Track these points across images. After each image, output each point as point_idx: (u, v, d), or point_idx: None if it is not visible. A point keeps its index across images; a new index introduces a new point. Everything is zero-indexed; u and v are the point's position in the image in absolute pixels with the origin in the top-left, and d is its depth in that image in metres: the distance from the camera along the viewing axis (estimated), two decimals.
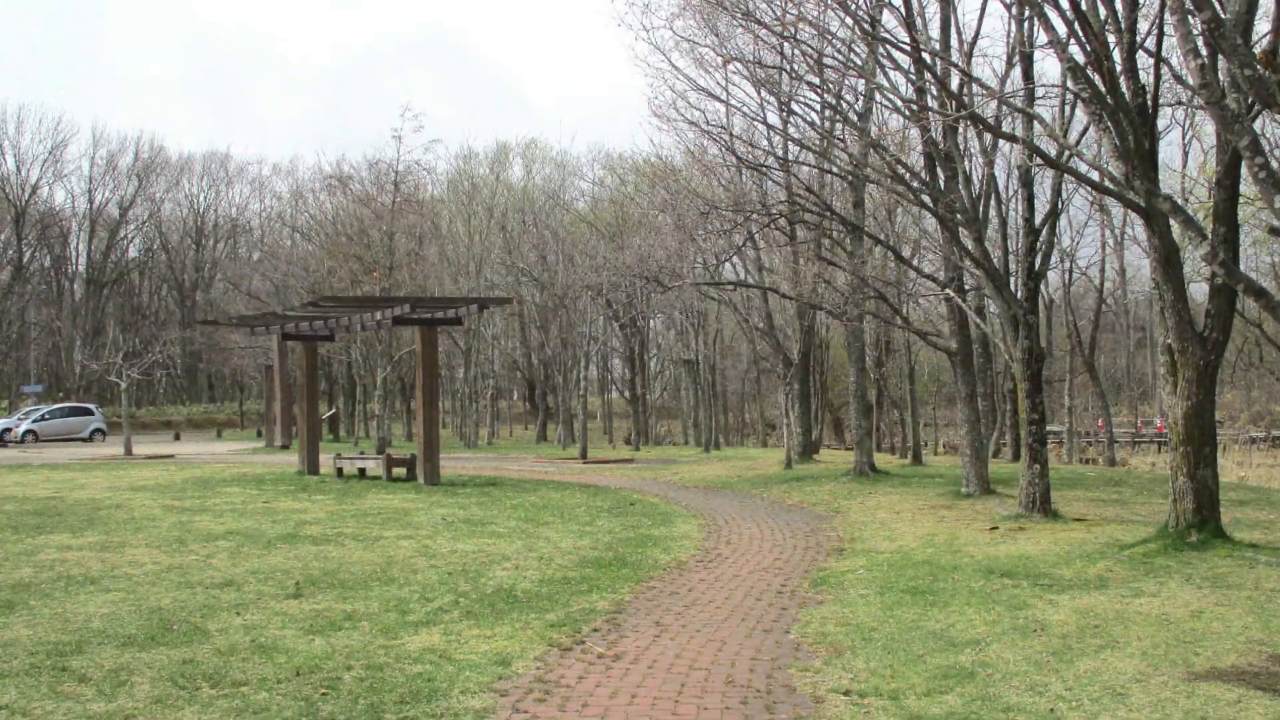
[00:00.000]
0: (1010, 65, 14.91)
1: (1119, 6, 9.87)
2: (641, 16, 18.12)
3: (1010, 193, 23.64)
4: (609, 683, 6.21)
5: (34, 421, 41.78)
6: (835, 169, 18.94)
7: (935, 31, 15.86)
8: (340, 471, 20.71)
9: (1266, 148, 7.22)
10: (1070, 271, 33.89)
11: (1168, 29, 10.22)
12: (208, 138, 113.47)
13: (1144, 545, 10.08)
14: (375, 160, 40.34)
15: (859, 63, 15.13)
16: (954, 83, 14.83)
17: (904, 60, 14.35)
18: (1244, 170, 10.32)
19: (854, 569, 10.17)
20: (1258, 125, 8.85)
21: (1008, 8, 13.94)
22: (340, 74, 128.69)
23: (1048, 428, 17.70)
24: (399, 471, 20.17)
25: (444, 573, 9.65)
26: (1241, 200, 11.91)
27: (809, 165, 20.79)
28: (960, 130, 15.06)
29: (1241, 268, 10.62)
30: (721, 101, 20.00)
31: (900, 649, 6.85)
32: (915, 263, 24.52)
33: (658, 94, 34.02)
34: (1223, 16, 7.59)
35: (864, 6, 13.55)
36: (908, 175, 15.54)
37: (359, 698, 5.79)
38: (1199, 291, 25.14)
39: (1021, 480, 13.70)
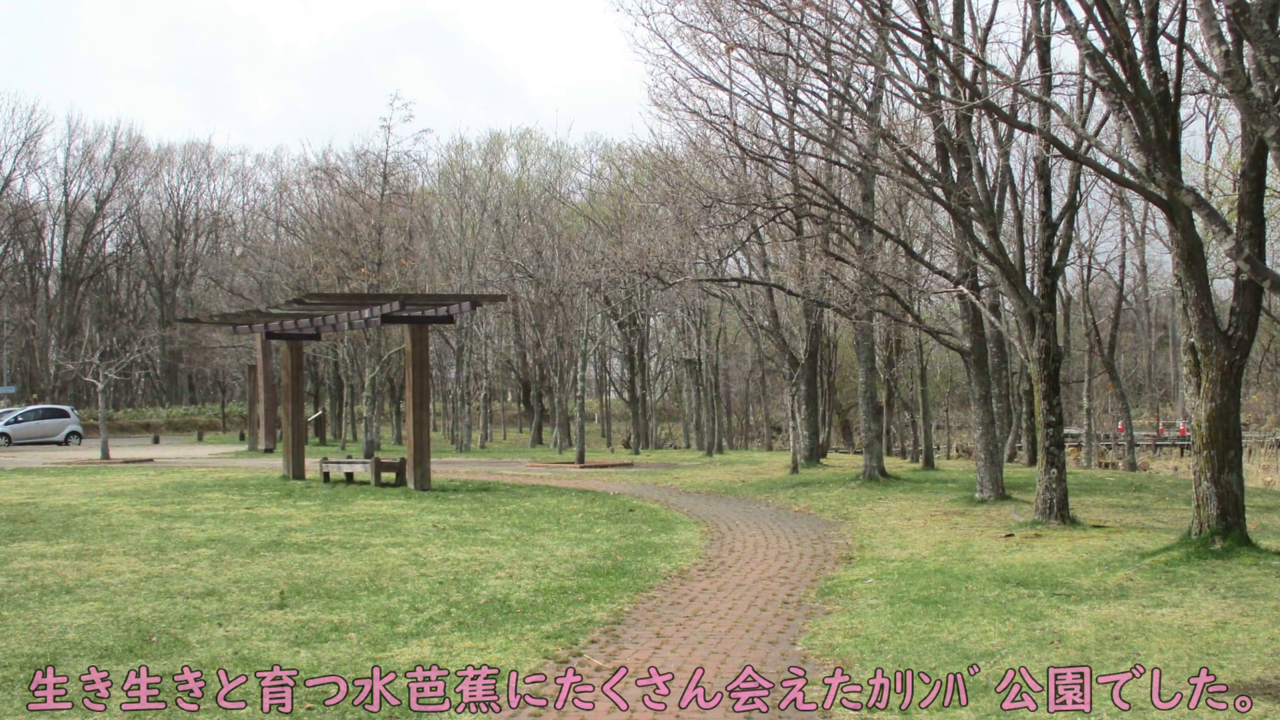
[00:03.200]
0: (1026, 52, 14.91)
1: None
2: (641, 1, 18.08)
3: (1026, 185, 23.66)
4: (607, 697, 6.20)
5: (7, 424, 41.77)
6: (843, 160, 18.93)
7: (948, 16, 15.87)
8: (327, 476, 20.71)
9: None
10: (1089, 267, 33.90)
11: (1191, 14, 10.22)
12: (188, 128, 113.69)
13: (1166, 553, 10.08)
14: (363, 151, 40.43)
15: (868, 49, 15.12)
16: (967, 70, 14.83)
17: (915, 47, 14.34)
18: (1270, 161, 10.34)
19: (863, 578, 10.18)
20: None
21: None
22: (326, 61, 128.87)
23: (1065, 430, 17.72)
24: (388, 476, 20.16)
25: (435, 582, 9.65)
26: (1268, 193, 11.92)
27: (816, 156, 20.79)
28: (974, 120, 15.07)
29: (1268, 263, 10.62)
30: (725, 90, 20.03)
31: (911, 661, 6.85)
32: (927, 258, 24.57)
33: (658, 82, 34.01)
34: (1248, 1, 7.60)
35: None
36: (919, 167, 15.54)
37: (346, 712, 5.80)
38: (1223, 288, 25.13)
39: (1038, 485, 13.71)
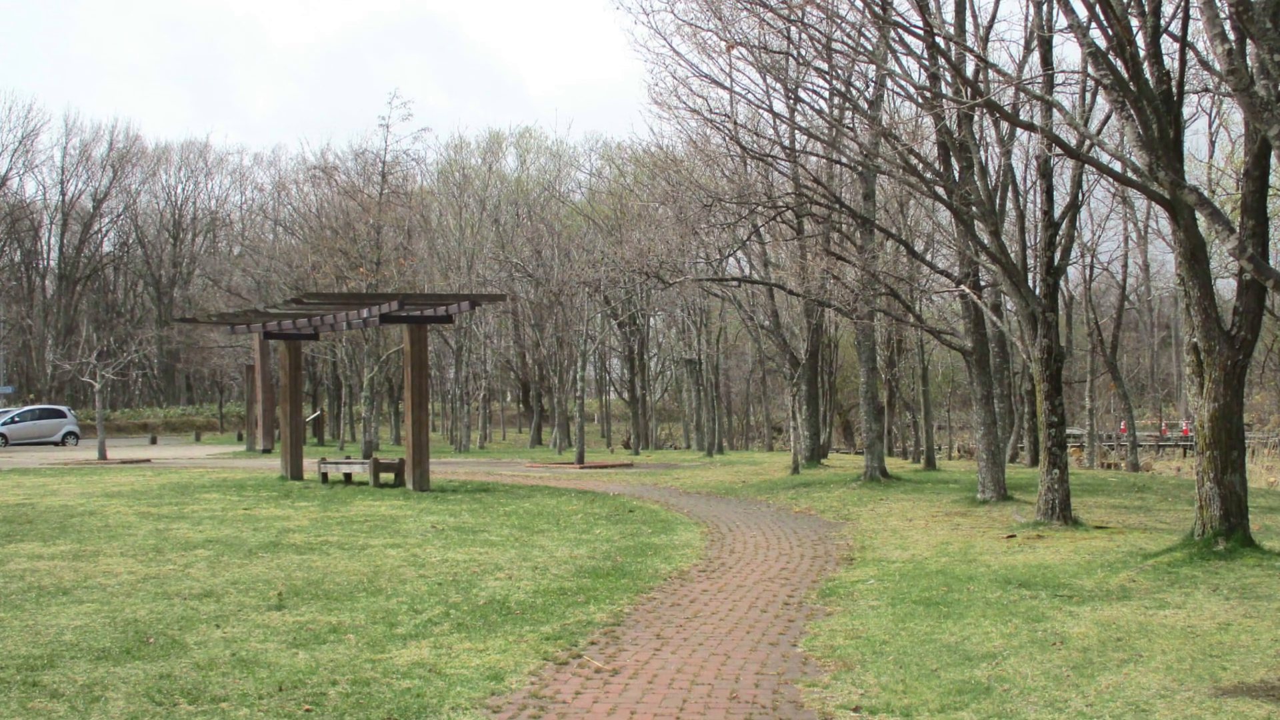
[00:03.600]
0: (1028, 50, 14.91)
1: None
2: None
3: (1028, 184, 23.65)
4: (607, 698, 6.21)
5: (3, 424, 41.78)
6: (844, 159, 18.92)
7: (949, 15, 15.86)
8: (325, 477, 20.71)
9: None
10: (1091, 267, 33.89)
11: (1194, 12, 10.22)
12: (186, 126, 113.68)
13: (1168, 554, 10.08)
14: (362, 150, 40.43)
15: (869, 48, 15.12)
16: (969, 69, 14.83)
17: (917, 45, 14.34)
18: (1274, 160, 10.34)
19: (864, 579, 10.18)
20: None
21: None
22: (325, 59, 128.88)
23: (1068, 431, 17.71)
24: (386, 477, 20.17)
25: (434, 583, 9.65)
26: (1271, 192, 11.92)
27: (817, 155, 20.79)
28: (976, 119, 15.07)
29: (1271, 263, 10.62)
30: (725, 88, 20.03)
31: (913, 663, 6.85)
32: (929, 258, 24.56)
33: (658, 80, 34.13)
34: None
35: None
36: (921, 166, 15.53)
37: (344, 714, 5.80)
38: (1226, 288, 25.12)
39: (1040, 486, 13.71)
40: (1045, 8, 13.49)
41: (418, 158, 58.34)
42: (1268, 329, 33.89)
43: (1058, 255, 14.12)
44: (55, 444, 42.41)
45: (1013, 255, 14.35)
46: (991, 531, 13.03)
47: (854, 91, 18.54)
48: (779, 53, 18.10)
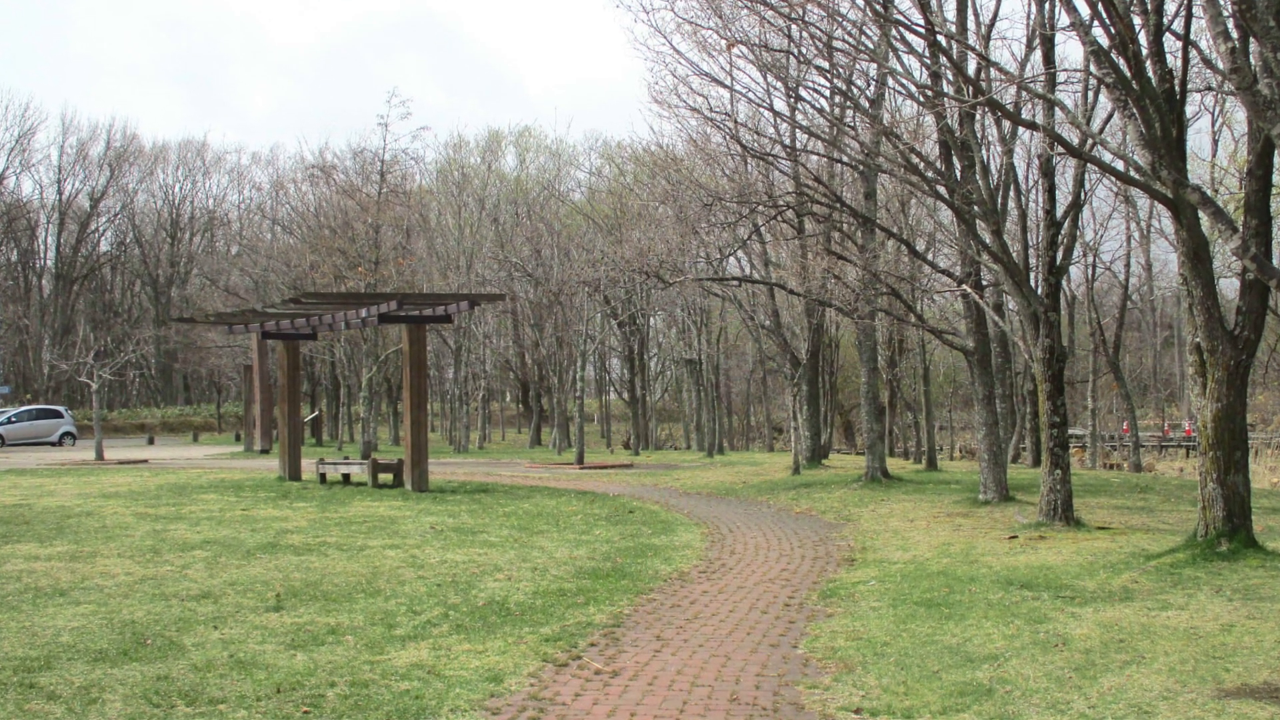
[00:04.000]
0: (1030, 49, 14.91)
1: None
2: None
3: (1030, 183, 23.67)
4: (606, 700, 6.22)
5: (0, 425, 41.77)
6: (845, 158, 18.92)
7: (951, 13, 15.87)
8: (323, 477, 20.72)
9: None
10: (1093, 266, 33.92)
11: (1197, 10, 10.21)
12: (183, 125, 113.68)
13: (1171, 555, 10.08)
14: (360, 149, 40.43)
15: (871, 46, 15.13)
16: (971, 67, 14.83)
17: (918, 43, 14.33)
18: (1277, 159, 10.34)
19: (865, 580, 10.18)
20: None
21: None
22: (323, 57, 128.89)
23: (1070, 431, 17.72)
24: (385, 477, 20.16)
25: (433, 584, 9.65)
26: (1275, 191, 11.91)
27: (818, 154, 20.80)
28: (978, 117, 15.08)
29: (1275, 262, 10.62)
30: (726, 87, 20.03)
31: (914, 664, 6.86)
32: (930, 257, 24.54)
33: (658, 79, 34.09)
34: None
35: None
36: (922, 165, 15.54)
37: (343, 716, 5.80)
38: (1229, 287, 25.14)
39: (1042, 486, 13.71)
40: (1047, 6, 13.49)
41: (416, 157, 58.53)
42: (1271, 329, 33.92)
43: (1060, 254, 14.12)
44: (52, 444, 42.39)
45: (1015, 255, 14.36)
46: (993, 532, 13.03)
47: (855, 90, 18.54)
48: (780, 51, 18.10)
